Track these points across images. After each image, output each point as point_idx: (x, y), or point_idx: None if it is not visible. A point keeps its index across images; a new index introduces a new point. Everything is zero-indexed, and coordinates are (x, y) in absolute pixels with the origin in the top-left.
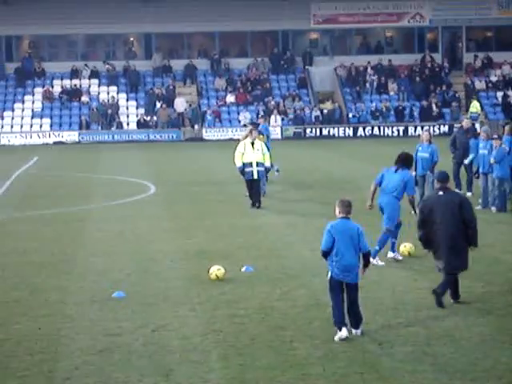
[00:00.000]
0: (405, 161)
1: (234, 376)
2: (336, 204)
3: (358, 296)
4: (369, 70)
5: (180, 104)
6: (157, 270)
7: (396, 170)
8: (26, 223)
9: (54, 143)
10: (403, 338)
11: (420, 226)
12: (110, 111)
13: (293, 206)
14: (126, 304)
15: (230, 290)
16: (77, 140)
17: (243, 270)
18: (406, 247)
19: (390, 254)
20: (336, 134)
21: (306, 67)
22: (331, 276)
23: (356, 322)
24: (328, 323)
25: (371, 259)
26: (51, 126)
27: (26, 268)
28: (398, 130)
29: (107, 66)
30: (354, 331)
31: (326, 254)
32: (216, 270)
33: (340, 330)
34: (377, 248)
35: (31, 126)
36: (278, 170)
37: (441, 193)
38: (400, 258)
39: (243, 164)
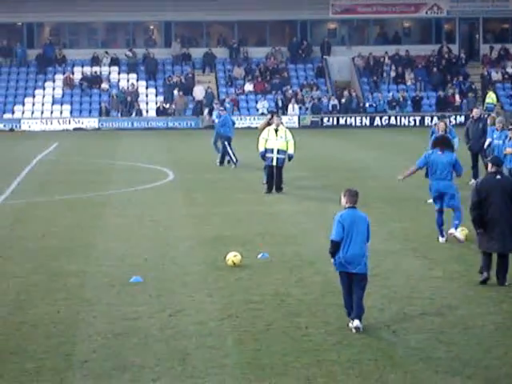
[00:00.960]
0: (446, 143)
1: (250, 361)
2: (342, 194)
3: (365, 288)
4: (386, 60)
5: (199, 92)
6: (174, 256)
7: (439, 153)
8: (45, 208)
9: (74, 129)
10: (417, 326)
11: (475, 208)
12: (129, 98)
13: (309, 194)
14: (144, 289)
15: (246, 276)
16: (96, 127)
17: (259, 256)
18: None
19: (452, 230)
20: (353, 124)
21: (324, 57)
22: (340, 270)
23: (359, 313)
24: (343, 310)
25: (453, 230)
26: (71, 112)
27: (45, 252)
28: (415, 120)
29: (127, 53)
30: (355, 322)
31: (337, 245)
32: (233, 257)
33: (353, 320)
34: (456, 222)
35: (52, 112)
36: (235, 162)
37: (498, 176)
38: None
39: (265, 150)
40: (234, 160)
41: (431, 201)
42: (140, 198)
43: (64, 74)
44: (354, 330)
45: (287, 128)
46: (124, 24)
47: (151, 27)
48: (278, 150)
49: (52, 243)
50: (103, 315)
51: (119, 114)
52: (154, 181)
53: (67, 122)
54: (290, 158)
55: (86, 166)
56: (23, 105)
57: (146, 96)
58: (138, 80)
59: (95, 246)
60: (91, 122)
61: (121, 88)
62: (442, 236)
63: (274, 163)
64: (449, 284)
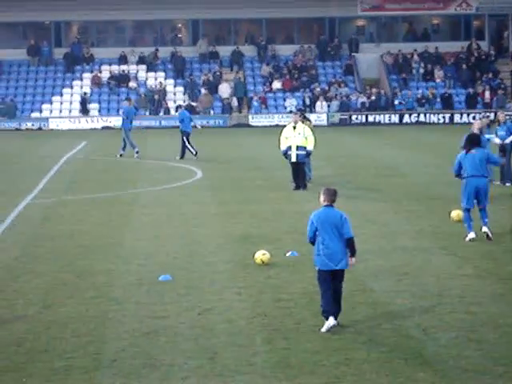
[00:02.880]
0: (475, 141)
1: (279, 360)
2: (321, 192)
3: (342, 285)
4: (415, 57)
5: (225, 90)
6: (203, 254)
7: (467, 152)
8: (74, 207)
9: (102, 128)
10: (447, 324)
11: None
12: (157, 97)
13: (338, 192)
14: (172, 287)
15: (275, 275)
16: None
17: (288, 254)
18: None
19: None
20: (382, 121)
21: (353, 54)
22: (319, 269)
23: (337, 308)
24: (372, 308)
25: (485, 228)
26: (99, 111)
27: (74, 251)
28: (444, 117)
29: (154, 51)
30: (331, 319)
31: (312, 242)
32: (261, 255)
33: (327, 320)
34: (486, 220)
35: (79, 111)
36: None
37: None
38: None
39: (287, 147)
40: (194, 152)
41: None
42: (168, 196)
43: (92, 72)
44: (327, 328)
45: (310, 125)
46: (151, 22)
47: (179, 25)
48: (298, 147)
49: (80, 242)
50: (132, 314)
51: (147, 113)
52: (182, 179)
53: (95, 120)
54: (309, 154)
55: (114, 165)
56: (51, 103)
57: (174, 94)
58: (165, 78)
59: (124, 244)
60: (119, 121)
61: (148, 86)
62: (471, 231)
63: (294, 159)
64: (479, 282)
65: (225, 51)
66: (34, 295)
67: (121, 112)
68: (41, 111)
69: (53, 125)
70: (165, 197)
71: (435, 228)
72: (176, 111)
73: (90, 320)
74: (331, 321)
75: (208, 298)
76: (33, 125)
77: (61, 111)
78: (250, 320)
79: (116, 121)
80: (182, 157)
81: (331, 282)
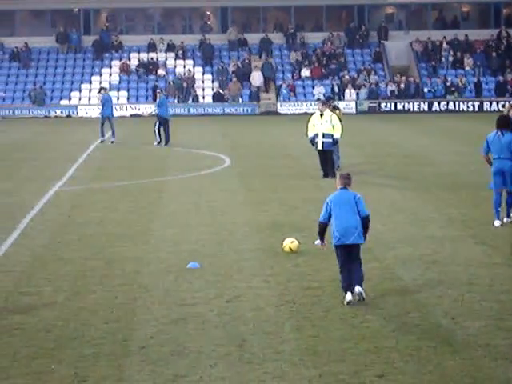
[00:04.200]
0: (503, 122)
1: (307, 347)
2: (337, 177)
3: (360, 256)
4: (444, 44)
5: (256, 78)
6: (231, 242)
7: (499, 134)
8: (102, 194)
9: (131, 116)
10: (476, 313)
11: None
12: (185, 84)
13: (366, 180)
14: (201, 274)
15: (303, 263)
16: (153, 113)
17: (316, 242)
18: None
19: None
20: (411, 109)
21: (382, 42)
22: (335, 244)
23: (359, 278)
24: (401, 296)
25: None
26: (128, 98)
27: (103, 238)
28: (474, 105)
29: (181, 43)
30: (357, 288)
31: (322, 226)
32: (290, 243)
33: (346, 293)
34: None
35: (118, 99)
36: (159, 142)
37: None
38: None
39: (314, 135)
40: (158, 140)
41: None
42: (197, 184)
43: (120, 60)
44: (356, 297)
45: (340, 113)
46: (180, 10)
47: (207, 13)
48: (324, 134)
49: (109, 229)
50: (160, 301)
51: (176, 100)
52: (211, 167)
53: (124, 108)
54: (336, 142)
55: (142, 152)
56: (80, 91)
57: (203, 82)
58: (194, 66)
59: (152, 231)
60: (148, 109)
61: (177, 74)
62: (498, 219)
63: (320, 147)
64: (508, 270)
65: (253, 39)
66: (63, 282)
67: (99, 99)
68: (70, 99)
69: (82, 112)
70: (193, 185)
71: (464, 216)
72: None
73: (118, 307)
74: (349, 296)
75: (236, 285)
76: (62, 112)
77: (89, 99)
78: (278, 307)
79: (145, 108)
80: (167, 142)
81: (348, 257)
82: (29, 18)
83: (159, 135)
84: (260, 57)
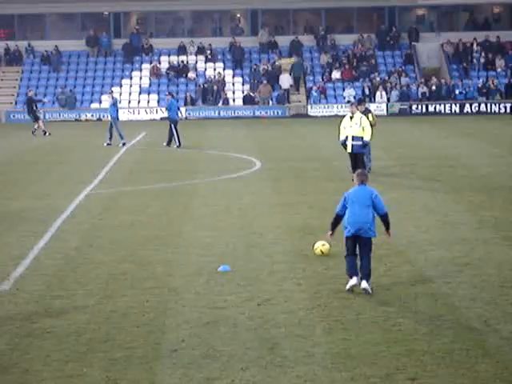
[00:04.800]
0: None
1: (339, 351)
2: (354, 175)
3: (371, 251)
4: (475, 46)
5: (285, 80)
6: (262, 245)
7: None
8: (133, 197)
9: (161, 119)
10: (509, 315)
11: None
12: (216, 87)
13: (398, 182)
14: (232, 278)
15: (334, 266)
16: (183, 116)
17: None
18: None
19: None
20: (442, 111)
21: (413, 43)
22: (346, 236)
23: (366, 274)
24: (433, 299)
25: None
26: (158, 101)
27: (134, 241)
28: (505, 107)
29: (211, 46)
30: (363, 283)
31: (337, 217)
32: (321, 246)
33: (351, 278)
34: None
35: (139, 101)
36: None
37: None
38: None
39: (345, 138)
40: (178, 143)
41: None
42: (227, 186)
43: (151, 63)
44: (349, 287)
45: (373, 116)
46: (210, 12)
47: (238, 15)
48: (353, 137)
49: (140, 232)
50: (191, 304)
51: (206, 103)
52: (241, 170)
53: (154, 111)
54: (365, 144)
55: (173, 156)
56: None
57: (233, 85)
58: (224, 69)
59: (183, 234)
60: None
61: (207, 77)
62: None
63: (350, 150)
64: None
65: (284, 41)
66: (94, 285)
67: (110, 103)
68: (100, 102)
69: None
70: (224, 187)
71: (497, 219)
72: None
73: (149, 310)
74: (354, 280)
75: (267, 288)
76: (92, 115)
77: (120, 102)
78: (309, 311)
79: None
80: (169, 143)
81: (360, 250)
82: (59, 21)
83: (178, 137)
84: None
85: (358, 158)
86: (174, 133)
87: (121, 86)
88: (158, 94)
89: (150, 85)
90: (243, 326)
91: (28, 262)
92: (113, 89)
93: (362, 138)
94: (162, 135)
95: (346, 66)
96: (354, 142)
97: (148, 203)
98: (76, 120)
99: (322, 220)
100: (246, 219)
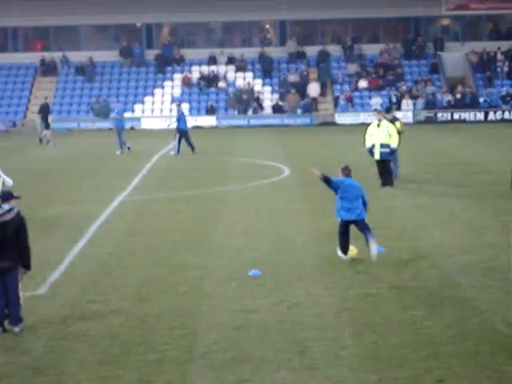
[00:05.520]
0: None
1: (367, 354)
2: (340, 169)
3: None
4: (499, 55)
5: (313, 89)
6: (291, 250)
7: None
8: (166, 203)
9: (193, 128)
10: None
11: None
12: (245, 96)
13: (424, 189)
14: (262, 282)
15: (362, 270)
16: (214, 125)
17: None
18: None
19: None
20: (467, 119)
21: (438, 53)
22: (342, 219)
23: (371, 236)
24: (459, 303)
25: None
26: (190, 110)
27: (167, 247)
28: None
29: (241, 56)
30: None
31: (329, 180)
32: (349, 251)
33: (345, 255)
34: None
35: (171, 110)
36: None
37: None
38: None
39: (372, 145)
40: (176, 151)
41: None
42: (257, 193)
43: (182, 73)
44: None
45: (401, 124)
46: (240, 23)
47: (267, 26)
48: (381, 145)
49: (173, 237)
50: (223, 308)
51: (236, 112)
52: (271, 177)
53: (189, 120)
54: (393, 151)
55: (204, 163)
56: (143, 104)
57: (262, 94)
58: (254, 78)
59: (214, 240)
60: (209, 120)
61: (237, 86)
62: None
63: (378, 157)
64: None
65: (311, 51)
66: (128, 290)
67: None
68: (133, 111)
69: (145, 124)
70: (254, 194)
71: None
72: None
73: (182, 313)
74: (346, 257)
75: (297, 292)
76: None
77: (152, 111)
78: (338, 314)
79: (205, 120)
80: (193, 150)
81: (359, 229)
82: (93, 32)
83: (179, 147)
84: (318, 68)
85: (385, 164)
86: (176, 142)
87: (153, 95)
88: (190, 103)
89: (181, 94)
90: (274, 329)
91: (64, 267)
92: (146, 98)
93: (389, 145)
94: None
95: (373, 75)
96: (382, 150)
97: (180, 209)
98: (110, 129)
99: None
100: (275, 225)
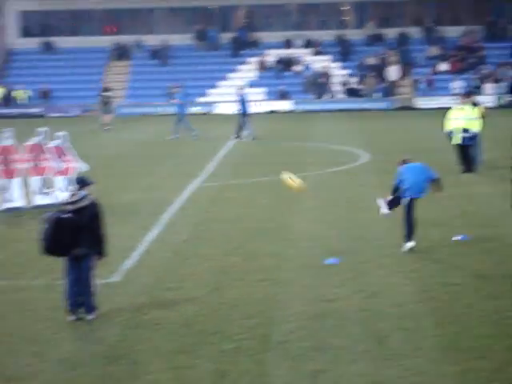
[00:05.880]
0: None
1: (448, 344)
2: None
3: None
4: None
5: (393, 72)
6: (370, 238)
7: None
8: (240, 190)
9: (269, 112)
10: None
11: None
12: (321, 80)
13: (508, 175)
14: (340, 270)
15: (443, 259)
16: (289, 109)
17: (458, 238)
18: None
19: None
20: None
21: None
22: (410, 198)
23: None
24: None
25: None
26: (265, 95)
27: (241, 234)
28: None
29: (318, 39)
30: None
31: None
32: (288, 178)
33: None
34: None
35: (248, 95)
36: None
37: None
38: None
39: (452, 129)
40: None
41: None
42: (334, 179)
43: (257, 56)
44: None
45: (483, 109)
46: (317, 5)
47: (344, 8)
48: (463, 129)
49: (248, 225)
50: (299, 296)
51: (312, 96)
52: (348, 163)
53: (262, 104)
54: (474, 136)
55: (280, 148)
56: (217, 88)
57: (339, 78)
58: (331, 61)
59: (290, 227)
60: (285, 105)
61: (313, 70)
62: None
63: (459, 142)
64: None
65: (391, 33)
66: (203, 277)
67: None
68: (207, 96)
69: (219, 109)
70: (331, 180)
71: None
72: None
73: (257, 302)
74: (411, 243)
75: (375, 281)
76: (200, 109)
77: (226, 95)
78: (418, 304)
79: (281, 105)
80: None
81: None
82: (167, 15)
83: (248, 132)
84: (397, 51)
85: (467, 150)
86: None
87: (228, 79)
88: (265, 87)
89: (256, 78)
90: (351, 319)
91: (138, 254)
92: (221, 83)
93: (471, 129)
94: (269, 128)
95: (454, 58)
96: (464, 134)
97: (255, 196)
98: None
99: (430, 213)
100: (353, 212)
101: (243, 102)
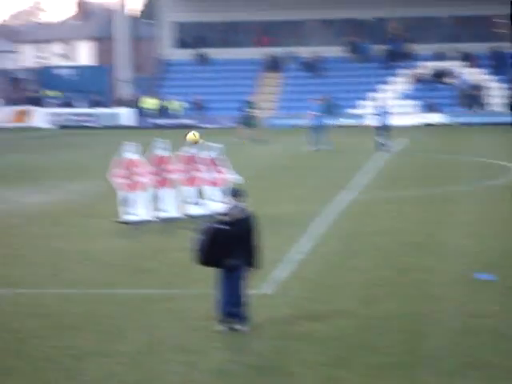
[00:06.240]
0: None
1: None
2: None
3: None
4: None
5: None
6: None
7: None
8: (391, 203)
9: (424, 125)
10: None
11: None
12: (475, 93)
13: None
14: (494, 286)
15: None
16: (444, 121)
17: None
18: None
19: None
20: None
21: None
22: None
23: None
24: None
25: None
26: (419, 107)
27: (394, 247)
28: None
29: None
30: None
31: None
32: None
33: None
34: None
35: (399, 107)
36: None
37: None
38: None
39: None
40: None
41: None
42: (487, 193)
43: (410, 68)
44: None
45: None
46: (471, 18)
47: (497, 20)
48: None
49: (400, 238)
50: (451, 312)
51: (464, 109)
52: (502, 177)
53: (416, 117)
54: None
55: (434, 162)
56: (368, 100)
57: (494, 90)
58: (484, 74)
59: (444, 242)
60: (439, 117)
61: (466, 82)
62: None
63: None
64: None
65: None
66: (355, 290)
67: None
68: (358, 108)
69: (368, 121)
70: (484, 194)
71: None
72: None
73: (409, 316)
74: None
75: None
76: (349, 121)
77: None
78: None
79: (436, 117)
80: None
81: None
82: (320, 27)
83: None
84: None
85: None
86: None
87: (379, 91)
88: (418, 99)
89: (409, 90)
90: (506, 336)
91: (289, 265)
92: (372, 94)
93: None
94: (424, 141)
95: None
96: None
97: (406, 209)
98: (334, 126)
99: None
100: (507, 227)
101: (384, 114)
